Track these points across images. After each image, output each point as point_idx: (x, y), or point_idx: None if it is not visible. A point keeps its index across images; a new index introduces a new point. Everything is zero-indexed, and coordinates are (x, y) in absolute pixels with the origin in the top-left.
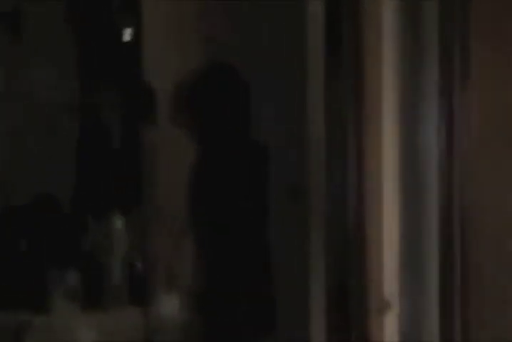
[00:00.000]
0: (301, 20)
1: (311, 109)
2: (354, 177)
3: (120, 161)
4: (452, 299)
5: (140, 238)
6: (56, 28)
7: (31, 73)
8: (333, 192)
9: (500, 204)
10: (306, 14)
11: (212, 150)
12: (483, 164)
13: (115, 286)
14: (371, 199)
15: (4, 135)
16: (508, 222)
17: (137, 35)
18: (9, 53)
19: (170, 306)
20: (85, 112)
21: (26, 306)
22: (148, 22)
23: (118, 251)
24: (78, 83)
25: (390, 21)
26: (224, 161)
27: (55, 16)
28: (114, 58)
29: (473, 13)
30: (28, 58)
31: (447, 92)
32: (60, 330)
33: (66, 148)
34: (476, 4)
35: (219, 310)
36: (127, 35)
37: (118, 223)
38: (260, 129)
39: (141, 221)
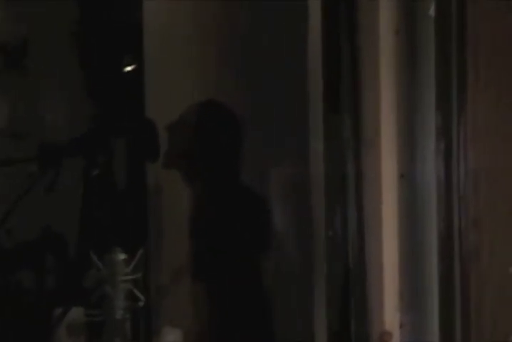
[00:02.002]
0: (301, 62)
1: (312, 141)
2: (353, 212)
3: (125, 199)
4: (453, 331)
5: (143, 273)
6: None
7: (37, 107)
8: (333, 229)
9: (496, 232)
10: (306, 56)
11: (209, 191)
12: (480, 194)
13: (118, 320)
14: (371, 234)
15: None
16: (505, 250)
17: (140, 71)
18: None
19: (173, 339)
20: (91, 150)
21: None
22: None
23: (121, 286)
24: (83, 121)
25: (388, 57)
26: (223, 200)
27: (60, 49)
28: (117, 95)
29: (469, 48)
30: (34, 91)
31: (444, 126)
32: None
33: (71, 184)
34: (473, 41)
35: None
36: (130, 70)
37: (121, 259)
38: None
39: (144, 257)
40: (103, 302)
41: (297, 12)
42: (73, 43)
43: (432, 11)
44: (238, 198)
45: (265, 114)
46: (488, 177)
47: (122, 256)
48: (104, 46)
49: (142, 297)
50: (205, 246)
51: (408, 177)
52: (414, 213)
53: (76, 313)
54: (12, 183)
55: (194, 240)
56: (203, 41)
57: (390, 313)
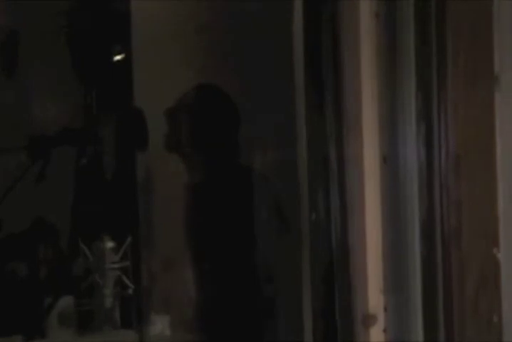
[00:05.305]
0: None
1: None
2: (336, 195)
3: (114, 187)
4: (436, 312)
5: (134, 261)
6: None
7: (25, 97)
8: (317, 211)
9: (478, 214)
10: (291, 40)
11: (204, 176)
12: (461, 176)
13: (107, 308)
14: (354, 217)
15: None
16: (486, 232)
17: (128, 60)
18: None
19: (162, 327)
20: (81, 140)
21: (20, 331)
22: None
23: (110, 273)
24: (72, 111)
25: (368, 40)
26: (216, 185)
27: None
28: (105, 86)
29: (449, 30)
30: (23, 81)
31: (425, 114)
32: None
33: (60, 174)
34: (452, 24)
35: (212, 331)
36: (118, 60)
37: (110, 247)
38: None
39: (134, 244)
40: (93, 290)
41: None
42: (62, 32)
43: None
44: (230, 185)
45: (252, 99)
46: (468, 159)
47: (110, 244)
48: (93, 35)
49: (131, 285)
50: (195, 233)
51: (390, 160)
52: (397, 196)
53: (66, 302)
54: (1, 173)
55: (184, 228)
56: (192, 29)
57: (374, 295)
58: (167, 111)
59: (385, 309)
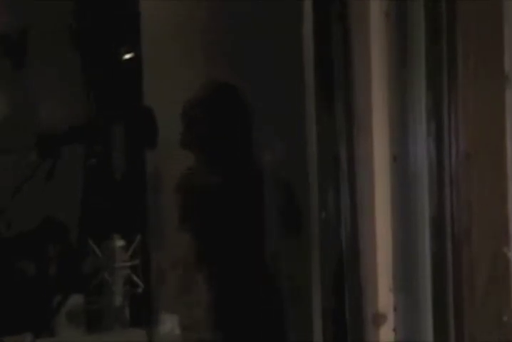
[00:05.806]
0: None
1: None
2: (346, 194)
3: (124, 186)
4: (446, 312)
5: (143, 260)
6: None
7: (35, 96)
8: (327, 211)
9: (488, 213)
10: (301, 41)
11: (215, 175)
12: (471, 175)
13: (117, 307)
14: (365, 216)
15: (9, 159)
16: (496, 231)
17: (137, 59)
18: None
19: (171, 326)
20: (89, 138)
21: (30, 329)
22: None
23: (119, 272)
24: (81, 109)
25: (378, 39)
26: (227, 184)
27: (59, 40)
28: (115, 83)
29: (459, 35)
30: (33, 80)
31: (435, 113)
32: None
33: (70, 172)
34: (463, 23)
35: (221, 331)
36: (127, 58)
37: (120, 246)
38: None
39: (144, 243)
40: (102, 289)
41: None
42: (72, 32)
43: None
44: (240, 184)
45: (262, 99)
46: (478, 158)
47: (120, 243)
48: (102, 35)
49: (141, 283)
50: (204, 233)
51: (400, 159)
52: (407, 194)
53: (76, 300)
54: (12, 172)
55: (193, 227)
56: (201, 29)
57: (384, 295)
58: (183, 108)
59: (395, 308)
